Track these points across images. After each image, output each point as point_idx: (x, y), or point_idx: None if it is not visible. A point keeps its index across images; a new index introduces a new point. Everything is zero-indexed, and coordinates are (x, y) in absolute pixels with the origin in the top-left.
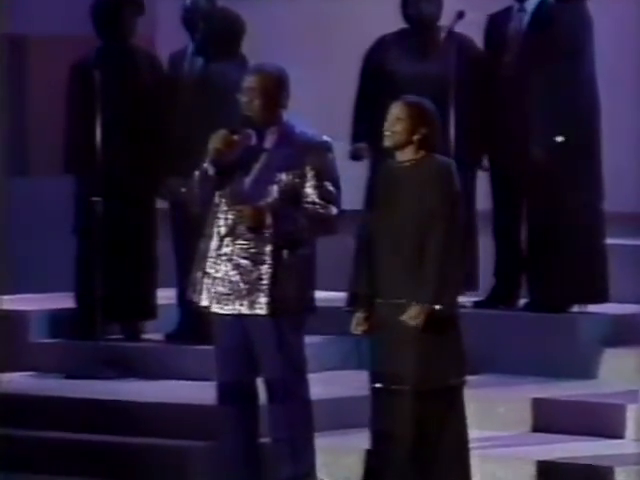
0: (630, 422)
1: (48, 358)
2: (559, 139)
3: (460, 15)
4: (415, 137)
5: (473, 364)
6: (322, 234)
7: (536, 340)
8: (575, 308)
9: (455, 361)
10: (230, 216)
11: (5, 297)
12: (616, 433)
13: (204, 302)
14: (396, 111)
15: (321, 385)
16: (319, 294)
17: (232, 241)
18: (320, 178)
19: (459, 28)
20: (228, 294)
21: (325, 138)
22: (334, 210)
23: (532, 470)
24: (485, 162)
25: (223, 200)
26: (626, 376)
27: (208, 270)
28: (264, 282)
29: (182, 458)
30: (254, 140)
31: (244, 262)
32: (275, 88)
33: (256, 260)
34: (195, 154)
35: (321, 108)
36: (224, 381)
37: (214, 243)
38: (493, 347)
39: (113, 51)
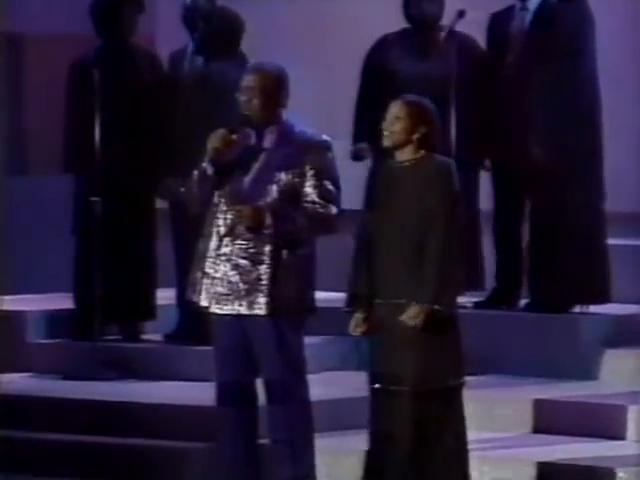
0: (631, 423)
1: (47, 359)
2: None
3: (461, 14)
4: (414, 136)
5: (474, 365)
6: (322, 234)
7: (537, 341)
8: (576, 308)
9: (454, 362)
10: (229, 216)
11: (4, 297)
12: (617, 434)
13: (203, 302)
14: (395, 110)
15: (320, 386)
16: (319, 294)
17: (231, 241)
18: (320, 177)
19: (461, 27)
20: (227, 294)
21: (324, 137)
22: (334, 209)
23: (533, 471)
24: (487, 162)
25: (222, 200)
26: (627, 377)
27: (207, 270)
28: (263, 282)
29: (181, 459)
30: (253, 139)
31: (243, 262)
32: (274, 87)
33: (255, 260)
34: (194, 154)
35: (321, 108)
36: (223, 382)
37: (213, 243)
38: (494, 348)
39: (113, 50)
